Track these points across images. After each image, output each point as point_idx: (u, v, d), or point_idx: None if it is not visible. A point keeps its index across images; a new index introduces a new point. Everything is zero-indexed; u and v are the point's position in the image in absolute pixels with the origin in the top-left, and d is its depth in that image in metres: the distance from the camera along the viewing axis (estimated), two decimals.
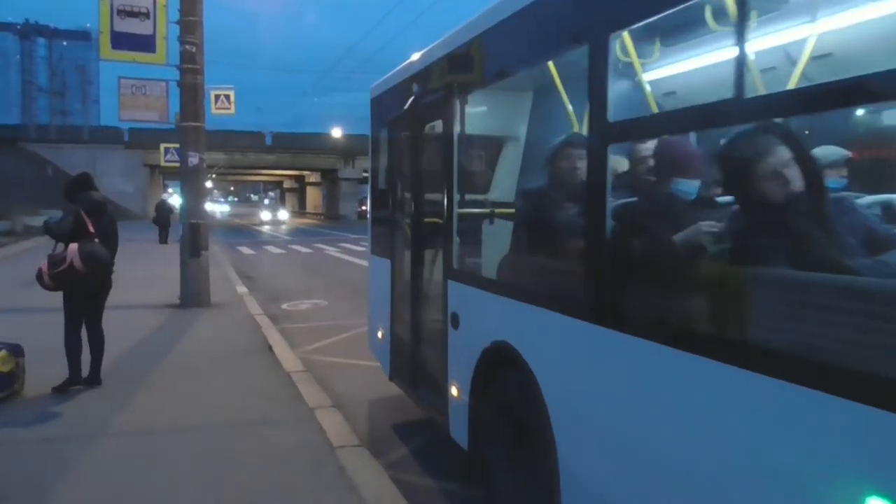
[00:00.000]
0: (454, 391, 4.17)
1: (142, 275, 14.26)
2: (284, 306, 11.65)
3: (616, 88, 2.60)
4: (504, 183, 4.80)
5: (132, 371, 6.64)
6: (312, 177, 75.94)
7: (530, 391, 3.13)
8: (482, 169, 4.89)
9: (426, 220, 4.84)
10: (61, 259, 5.66)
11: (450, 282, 4.20)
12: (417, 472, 4.56)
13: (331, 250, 24.77)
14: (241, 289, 12.98)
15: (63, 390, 5.85)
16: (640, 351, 2.34)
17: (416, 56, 5.04)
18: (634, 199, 2.99)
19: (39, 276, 5.72)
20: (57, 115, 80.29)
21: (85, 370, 6.06)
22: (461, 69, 4.17)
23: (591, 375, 2.72)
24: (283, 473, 4.24)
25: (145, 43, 10.27)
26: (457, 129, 4.13)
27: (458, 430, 4.13)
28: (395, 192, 5.58)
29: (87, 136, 53.68)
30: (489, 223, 4.18)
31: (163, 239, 24.29)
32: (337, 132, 54.25)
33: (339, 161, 59.74)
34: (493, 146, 4.92)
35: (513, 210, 4.19)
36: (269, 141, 57.51)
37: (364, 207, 46.22)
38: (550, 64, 3.54)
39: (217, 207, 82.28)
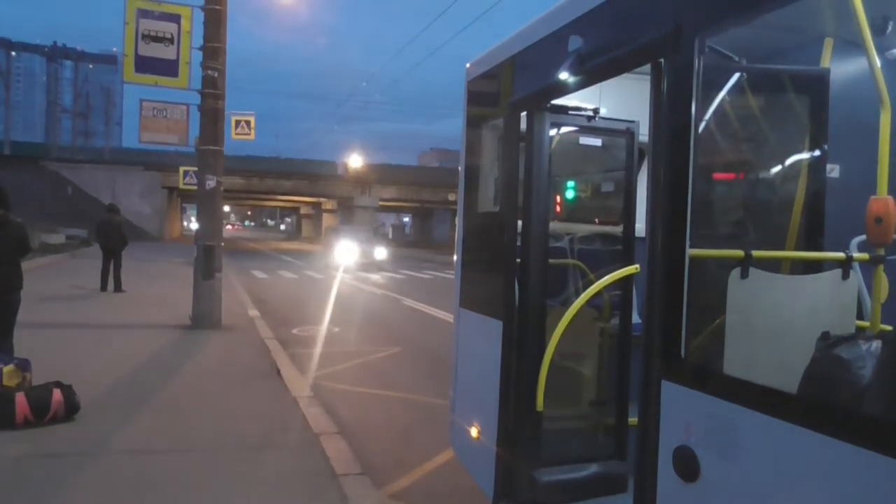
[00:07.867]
0: None
1: (159, 295, 14.37)
2: (295, 331, 11.61)
3: None
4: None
5: (136, 390, 6.61)
6: (329, 204, 76.43)
7: None
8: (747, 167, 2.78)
9: (600, 260, 3.45)
10: None
11: (669, 385, 2.16)
12: None
13: (346, 277, 24.77)
14: (253, 312, 12.97)
15: None
16: None
17: None
18: None
19: None
20: (80, 136, 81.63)
21: None
22: None
23: None
24: (283, 499, 4.15)
25: (168, 67, 10.48)
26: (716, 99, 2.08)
27: None
28: (511, 211, 3.39)
29: (108, 157, 54.52)
30: (741, 275, 2.23)
31: None
32: (355, 160, 54.72)
33: (356, 189, 60.17)
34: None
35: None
36: (286, 167, 58.06)
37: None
38: None
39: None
